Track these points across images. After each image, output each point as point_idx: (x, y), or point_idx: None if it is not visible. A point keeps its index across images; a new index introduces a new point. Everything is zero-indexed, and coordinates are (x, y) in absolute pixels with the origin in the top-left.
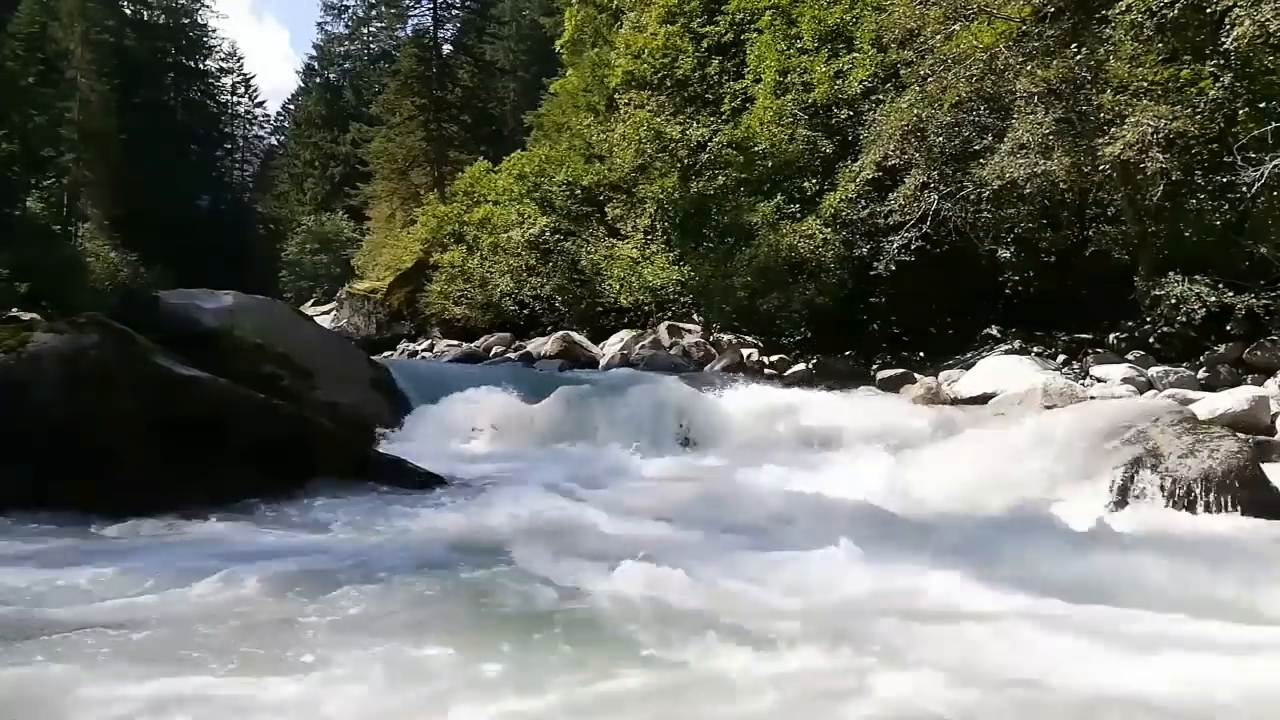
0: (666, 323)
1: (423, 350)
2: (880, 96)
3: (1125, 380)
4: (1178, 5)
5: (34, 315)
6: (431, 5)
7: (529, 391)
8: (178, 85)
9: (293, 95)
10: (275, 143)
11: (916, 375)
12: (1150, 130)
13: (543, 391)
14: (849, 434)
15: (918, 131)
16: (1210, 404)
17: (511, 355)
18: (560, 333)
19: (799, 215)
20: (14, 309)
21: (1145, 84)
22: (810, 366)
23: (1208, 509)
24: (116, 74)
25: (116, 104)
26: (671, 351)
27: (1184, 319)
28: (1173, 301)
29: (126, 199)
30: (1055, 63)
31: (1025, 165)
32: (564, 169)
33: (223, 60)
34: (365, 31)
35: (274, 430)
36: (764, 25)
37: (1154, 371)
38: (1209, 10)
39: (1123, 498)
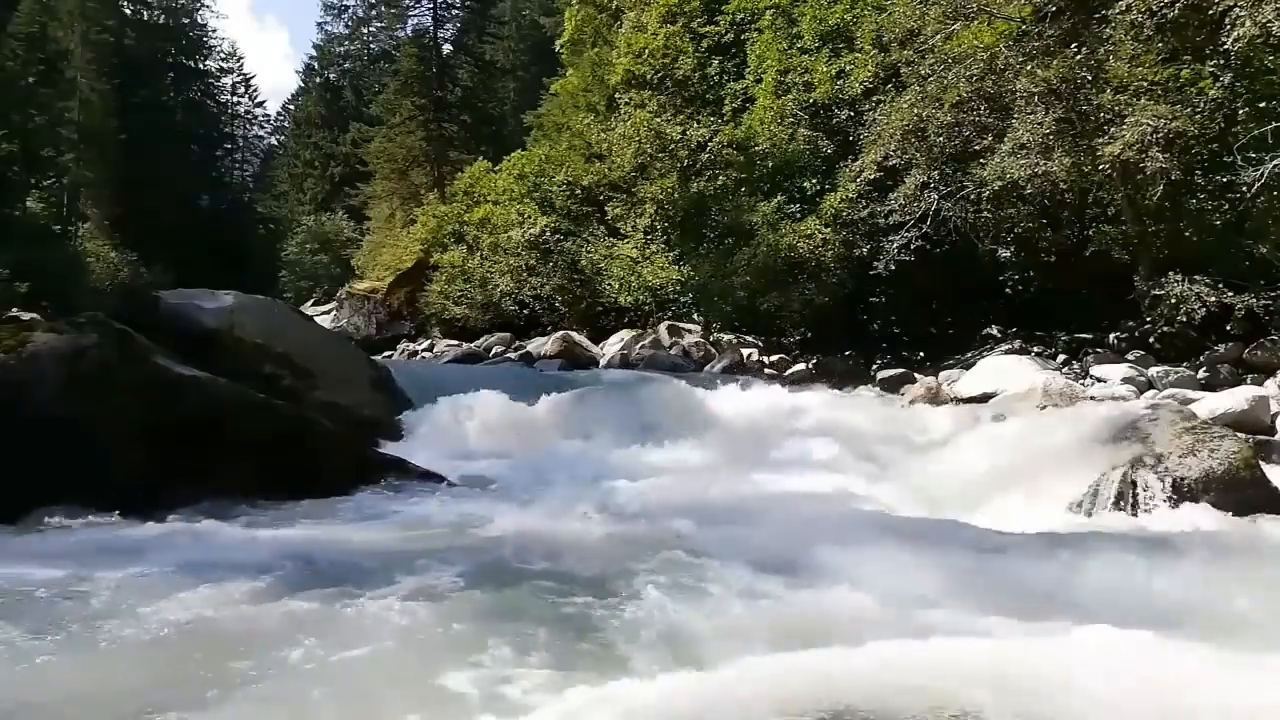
0: (666, 323)
1: (423, 350)
2: (881, 96)
3: (1125, 380)
4: (1178, 5)
5: (34, 315)
6: (431, 5)
7: (529, 392)
8: (178, 85)
9: (293, 95)
10: (275, 143)
11: (916, 375)
12: (1150, 130)
13: (542, 391)
14: (849, 434)
15: (918, 131)
16: (1210, 404)
17: (511, 355)
18: (560, 333)
19: (799, 215)
20: (14, 309)
21: (1145, 84)
22: (810, 366)
23: (1208, 509)
24: (116, 74)
25: (116, 104)
26: (671, 351)
27: (1184, 319)
28: (1173, 301)
29: (126, 199)
30: (1055, 63)
31: (1025, 165)
32: (564, 169)
33: (223, 60)
34: (365, 31)
35: (274, 430)
36: (765, 25)
37: (1154, 371)
38: (1209, 10)
39: (1123, 498)
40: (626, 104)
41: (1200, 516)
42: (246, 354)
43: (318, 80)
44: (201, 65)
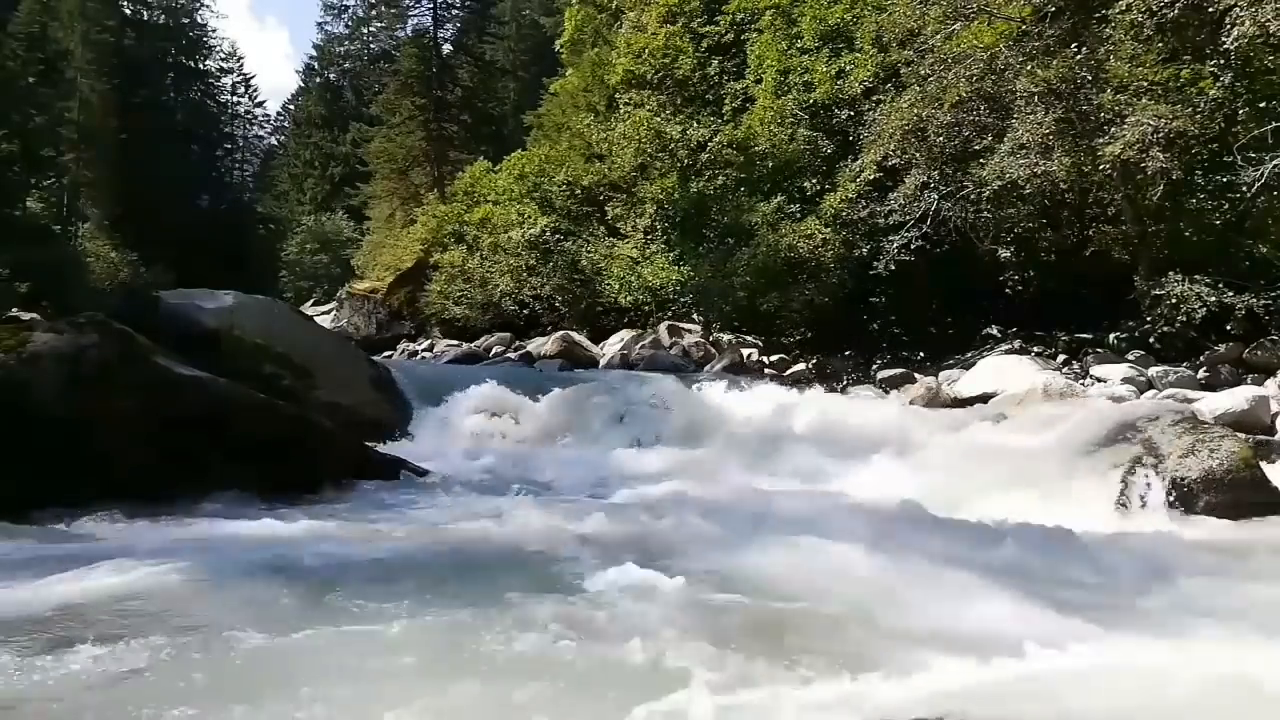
0: (666, 323)
1: (423, 350)
2: (880, 96)
3: (1125, 380)
4: (1178, 5)
5: (34, 315)
6: (431, 5)
7: (529, 391)
8: (178, 85)
9: (293, 95)
10: (275, 143)
11: (916, 375)
12: (1150, 130)
13: (542, 391)
14: (848, 434)
15: (918, 131)
16: (1210, 404)
17: (511, 355)
18: (560, 333)
19: (799, 215)
20: (14, 309)
21: (1145, 84)
22: (810, 366)
23: (1208, 509)
24: (116, 74)
25: (116, 104)
26: (671, 351)
27: (1184, 319)
28: (1173, 301)
29: (126, 199)
30: (1055, 63)
31: (1025, 165)
32: (564, 169)
33: (223, 60)
34: (365, 31)
35: (274, 430)
36: (764, 25)
37: (1154, 371)
38: (1209, 10)
39: (1123, 498)
40: (626, 104)
41: (1200, 517)
42: (246, 354)
43: (318, 80)
44: (201, 65)
